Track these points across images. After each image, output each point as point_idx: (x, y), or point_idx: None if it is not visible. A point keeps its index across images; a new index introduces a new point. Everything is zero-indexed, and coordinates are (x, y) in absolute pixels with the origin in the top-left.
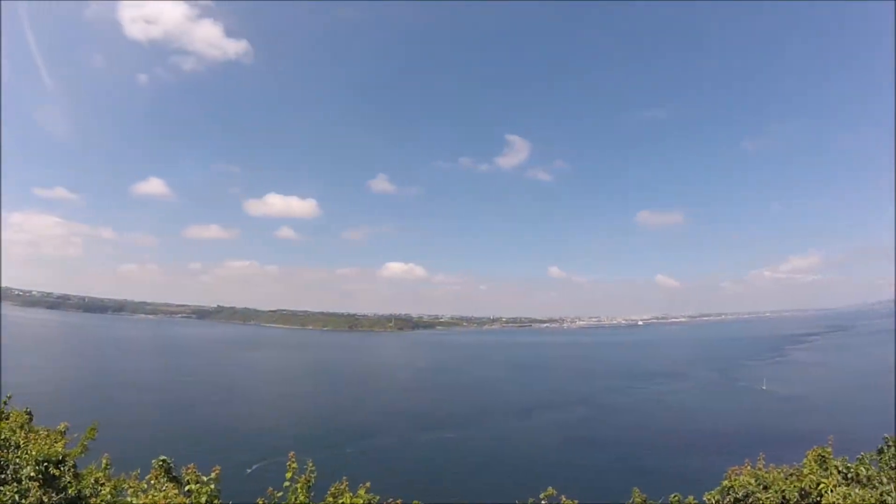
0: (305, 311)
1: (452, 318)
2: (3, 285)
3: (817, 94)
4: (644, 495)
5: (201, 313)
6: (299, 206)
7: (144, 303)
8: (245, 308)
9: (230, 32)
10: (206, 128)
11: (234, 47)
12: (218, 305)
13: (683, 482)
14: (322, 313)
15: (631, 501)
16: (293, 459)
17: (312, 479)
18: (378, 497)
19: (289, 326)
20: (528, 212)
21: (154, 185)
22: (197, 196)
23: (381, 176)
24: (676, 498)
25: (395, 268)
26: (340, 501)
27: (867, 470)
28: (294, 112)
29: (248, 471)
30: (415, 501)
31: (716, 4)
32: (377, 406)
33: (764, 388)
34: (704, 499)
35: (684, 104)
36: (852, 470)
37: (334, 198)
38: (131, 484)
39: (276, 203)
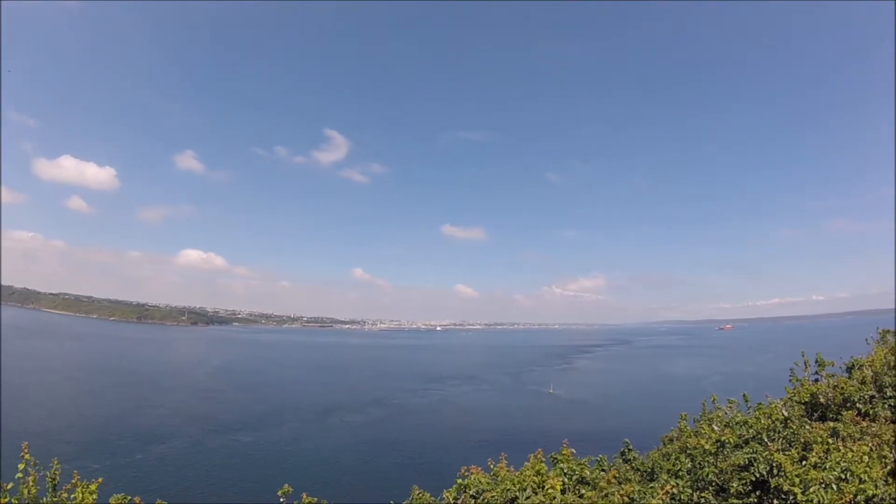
0: (91, 298)
1: (251, 315)
2: None
3: (617, 140)
4: (427, 493)
5: None
6: (95, 174)
7: None
8: (24, 288)
9: None
10: (5, 65)
11: None
12: None
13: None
14: (109, 301)
15: (410, 500)
16: (26, 450)
17: (57, 477)
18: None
19: (72, 313)
20: (339, 211)
21: None
22: None
23: (189, 152)
24: (420, 495)
25: (192, 255)
26: (73, 495)
27: (592, 473)
28: (104, 67)
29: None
30: None
31: (547, 45)
32: (170, 407)
33: (551, 391)
34: (443, 495)
35: (500, 132)
36: (576, 472)
37: (135, 169)
38: None
39: (71, 167)
